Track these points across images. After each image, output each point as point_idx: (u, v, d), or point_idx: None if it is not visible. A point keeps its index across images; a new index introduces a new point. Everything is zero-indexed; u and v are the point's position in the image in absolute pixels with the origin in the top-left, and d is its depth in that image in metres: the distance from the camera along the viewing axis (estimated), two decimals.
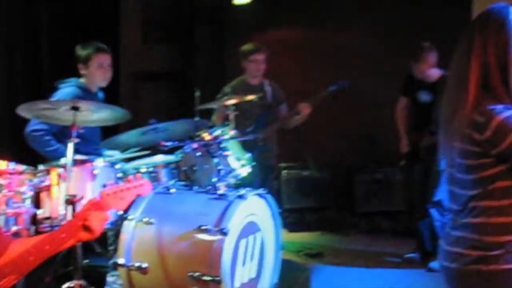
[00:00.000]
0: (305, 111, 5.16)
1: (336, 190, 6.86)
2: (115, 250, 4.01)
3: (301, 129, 5.68)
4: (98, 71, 4.05)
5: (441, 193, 5.24)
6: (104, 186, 2.24)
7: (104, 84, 4.15)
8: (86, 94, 4.05)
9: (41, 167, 3.45)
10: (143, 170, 3.79)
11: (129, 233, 3.28)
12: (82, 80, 4.13)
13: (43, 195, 3.37)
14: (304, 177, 6.82)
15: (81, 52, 4.09)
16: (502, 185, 2.01)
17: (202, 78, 6.82)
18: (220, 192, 3.38)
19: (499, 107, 1.96)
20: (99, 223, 2.14)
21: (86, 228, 2.12)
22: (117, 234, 3.91)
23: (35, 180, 3.34)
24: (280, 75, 5.62)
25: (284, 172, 6.81)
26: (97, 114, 3.27)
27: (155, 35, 7.18)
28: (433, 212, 5.26)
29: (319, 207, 6.83)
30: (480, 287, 2.05)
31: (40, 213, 3.35)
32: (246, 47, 5.30)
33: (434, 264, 5.22)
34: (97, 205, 2.17)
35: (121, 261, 3.27)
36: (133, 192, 2.26)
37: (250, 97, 4.56)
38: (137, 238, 3.27)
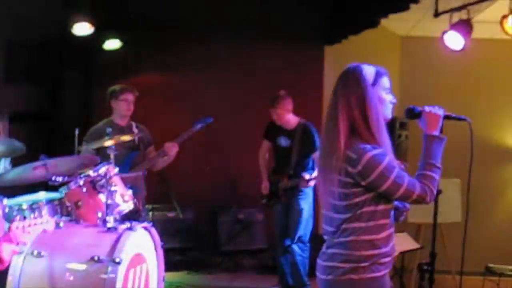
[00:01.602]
0: (172, 150, 5.16)
1: (200, 230, 7.15)
2: None
3: (166, 171, 5.80)
4: None
5: (302, 230, 5.75)
6: (13, 221, 2.42)
7: None
8: None
9: None
10: (25, 206, 3.84)
11: (18, 266, 3.33)
12: None
13: None
14: (169, 219, 6.99)
15: None
16: (368, 210, 2.47)
17: (68, 120, 6.89)
18: (109, 225, 3.55)
19: (368, 146, 2.43)
20: (9, 254, 2.33)
21: None
22: None
23: None
24: (146, 117, 5.70)
25: (150, 213, 6.97)
26: None
27: (19, 75, 7.07)
28: (294, 247, 5.73)
29: (184, 247, 7.05)
30: None
31: None
32: (116, 87, 5.30)
33: None
34: (6, 238, 2.35)
35: None
36: (39, 228, 2.46)
37: (126, 137, 4.69)
38: (26, 272, 3.32)
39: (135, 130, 5.27)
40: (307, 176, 5.50)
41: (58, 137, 6.92)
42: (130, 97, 5.22)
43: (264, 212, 6.87)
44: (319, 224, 6.72)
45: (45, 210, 3.87)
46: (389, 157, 2.44)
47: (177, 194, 6.94)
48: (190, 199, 7.14)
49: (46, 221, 2.45)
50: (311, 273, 5.69)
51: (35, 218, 2.43)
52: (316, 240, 5.82)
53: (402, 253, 5.53)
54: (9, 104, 7.00)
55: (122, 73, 7.22)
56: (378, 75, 2.54)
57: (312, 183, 5.59)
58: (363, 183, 2.43)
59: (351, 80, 2.53)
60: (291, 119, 5.79)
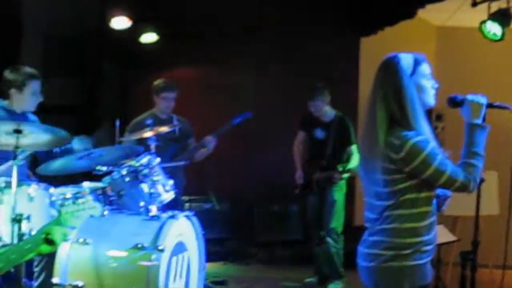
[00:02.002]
0: (211, 143, 5.34)
1: (236, 221, 7.21)
2: (41, 271, 4.13)
3: (203, 163, 5.94)
4: (31, 98, 4.16)
5: (335, 221, 5.78)
6: (62, 205, 2.51)
7: (32, 109, 4.24)
8: (11, 115, 4.10)
9: None
10: (69, 196, 3.93)
11: (65, 253, 3.44)
12: (6, 102, 4.18)
13: None
14: (205, 210, 7.07)
15: (12, 76, 4.13)
16: (411, 197, 2.49)
17: (106, 112, 7.01)
18: (152, 214, 3.63)
19: (411, 133, 2.45)
20: (60, 237, 2.41)
21: (48, 242, 2.38)
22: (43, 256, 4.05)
23: None
24: (183, 110, 5.75)
25: (186, 205, 7.06)
26: (39, 137, 3.43)
27: (57, 68, 7.20)
28: (328, 239, 5.75)
29: (221, 238, 7.12)
30: (394, 280, 2.51)
31: None
32: (159, 83, 5.42)
33: (331, 286, 5.70)
34: (57, 222, 2.44)
35: (56, 280, 3.41)
36: (87, 212, 2.55)
37: (166, 128, 4.78)
38: (73, 258, 3.43)
39: (176, 123, 5.38)
40: (340, 168, 5.54)
41: (96, 129, 7.03)
42: (170, 95, 5.35)
43: (299, 203, 6.89)
44: (353, 216, 6.74)
45: None
46: (433, 144, 2.45)
47: (213, 186, 7.05)
48: (226, 191, 7.21)
49: (93, 207, 2.53)
50: (346, 264, 5.72)
51: (83, 203, 2.50)
52: (349, 231, 5.86)
53: (439, 246, 5.50)
54: (48, 97, 7.17)
55: (159, 66, 7.32)
56: (416, 63, 2.55)
57: (345, 175, 5.63)
58: (406, 170, 2.44)
59: (389, 71, 2.55)
60: (328, 111, 5.82)
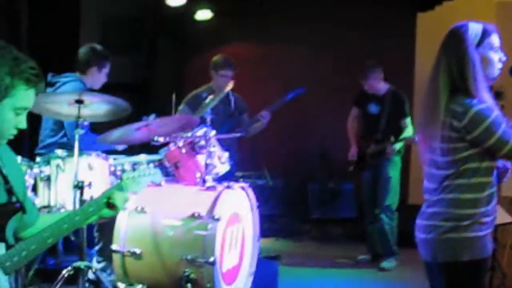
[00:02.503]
0: (265, 118, 5.36)
1: (290, 198, 7.23)
2: (100, 237, 4.26)
3: (258, 139, 5.97)
4: (104, 77, 4.43)
5: (390, 198, 5.73)
6: (123, 171, 2.56)
7: (98, 87, 4.43)
8: (85, 88, 4.30)
9: (38, 158, 3.67)
10: (127, 166, 4.01)
11: (123, 221, 3.52)
12: (77, 74, 4.37)
13: (41, 184, 3.58)
14: (259, 186, 7.10)
15: (97, 55, 4.41)
16: (472, 166, 2.43)
17: (163, 89, 7.09)
18: (208, 184, 3.67)
19: (475, 100, 2.39)
20: (122, 202, 2.46)
21: (110, 206, 2.43)
22: (101, 224, 4.17)
23: (35, 170, 3.55)
24: (239, 86, 5.63)
25: (240, 180, 7.10)
26: (100, 108, 3.51)
27: (114, 47, 7.34)
28: (383, 216, 5.71)
29: (274, 214, 7.15)
30: (452, 252, 2.47)
31: (38, 202, 3.55)
32: (219, 59, 5.42)
33: (385, 264, 5.67)
34: (119, 187, 2.48)
35: (115, 247, 3.49)
36: (148, 179, 2.59)
37: (219, 99, 4.78)
38: (131, 226, 3.50)
39: (231, 98, 5.46)
40: (393, 139, 5.51)
41: (153, 106, 7.14)
42: (229, 73, 5.35)
43: (353, 181, 6.85)
44: (407, 194, 6.66)
45: None
46: (497, 112, 2.39)
47: (267, 162, 7.07)
48: (280, 167, 7.24)
49: (154, 173, 2.58)
50: (400, 242, 5.68)
51: (144, 169, 2.55)
52: (403, 209, 5.80)
53: (495, 227, 5.37)
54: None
55: (213, 43, 7.36)
56: (485, 34, 2.48)
57: (397, 146, 5.61)
58: (468, 138, 2.39)
59: (454, 39, 2.49)
60: (381, 87, 5.78)
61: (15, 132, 2.18)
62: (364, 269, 5.75)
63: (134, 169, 3.92)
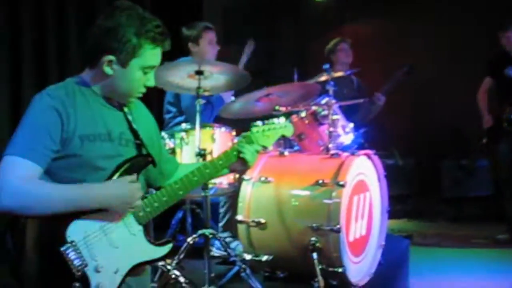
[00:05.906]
0: (380, 100, 5.37)
1: (421, 177, 6.93)
2: (226, 211, 4.28)
3: (384, 118, 5.80)
4: (208, 47, 4.37)
5: None
6: (253, 125, 2.50)
7: (212, 57, 4.46)
8: None
9: (163, 133, 3.72)
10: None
11: (248, 191, 3.48)
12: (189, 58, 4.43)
13: None
14: (388, 166, 6.88)
15: (189, 32, 4.42)
16: None
17: (284, 72, 7.03)
18: (331, 152, 3.55)
19: None
20: (252, 155, 2.40)
21: (240, 159, 2.39)
22: (229, 197, 4.18)
23: None
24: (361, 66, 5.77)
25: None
26: (220, 78, 3.49)
27: (236, 35, 7.42)
28: None
29: (404, 194, 6.91)
30: None
31: None
32: (331, 41, 5.67)
33: None
34: (249, 140, 2.43)
35: (239, 218, 3.47)
36: (278, 132, 2.52)
37: (340, 73, 4.66)
38: (255, 196, 3.47)
39: (354, 81, 5.60)
40: None
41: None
42: (345, 46, 5.56)
43: (489, 156, 6.43)
44: None
45: None
46: None
47: (396, 141, 6.83)
48: (410, 146, 6.98)
49: (284, 126, 2.52)
50: None
51: (273, 123, 2.49)
52: None
53: None
54: (230, 63, 7.41)
55: (331, 22, 7.24)
56: None
57: None
58: None
59: None
60: None
61: (144, 90, 2.23)
62: (504, 249, 5.39)
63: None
